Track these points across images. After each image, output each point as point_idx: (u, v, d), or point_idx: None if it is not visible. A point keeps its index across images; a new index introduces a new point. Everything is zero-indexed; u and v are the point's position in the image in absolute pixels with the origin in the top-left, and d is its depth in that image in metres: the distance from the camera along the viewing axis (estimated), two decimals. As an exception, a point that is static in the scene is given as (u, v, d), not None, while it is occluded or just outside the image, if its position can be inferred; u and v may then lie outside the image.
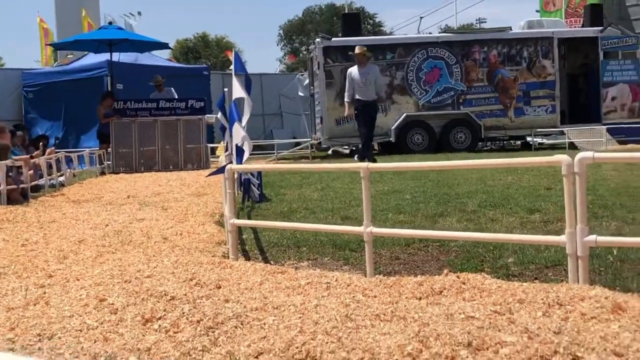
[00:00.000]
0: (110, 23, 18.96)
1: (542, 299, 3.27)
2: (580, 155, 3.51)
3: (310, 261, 5.34)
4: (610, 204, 6.84)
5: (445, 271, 3.98)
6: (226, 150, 8.48)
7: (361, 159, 13.04)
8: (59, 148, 14.92)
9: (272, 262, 5.28)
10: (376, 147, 21.29)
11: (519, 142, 21.86)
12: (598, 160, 3.54)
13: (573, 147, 18.52)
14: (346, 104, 14.00)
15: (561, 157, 3.58)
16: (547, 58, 19.88)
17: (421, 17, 22.83)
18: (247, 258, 5.51)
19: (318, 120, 20.00)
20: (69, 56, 23.21)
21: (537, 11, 22.34)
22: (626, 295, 3.30)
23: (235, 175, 8.08)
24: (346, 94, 13.91)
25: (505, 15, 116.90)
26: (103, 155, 14.89)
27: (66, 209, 8.53)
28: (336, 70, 19.32)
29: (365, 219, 4.47)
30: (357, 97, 13.63)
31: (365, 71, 13.66)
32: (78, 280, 4.50)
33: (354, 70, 13.77)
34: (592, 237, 3.52)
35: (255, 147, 20.72)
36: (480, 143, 20.57)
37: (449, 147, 19.13)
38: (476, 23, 62.52)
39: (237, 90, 7.07)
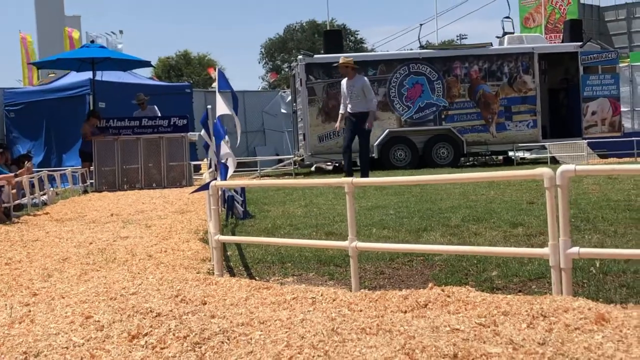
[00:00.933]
0: (92, 41, 18.95)
1: (527, 311, 3.30)
2: (562, 168, 3.55)
3: (295, 277, 5.35)
4: (592, 217, 6.89)
5: (430, 285, 4.00)
6: (209, 167, 8.49)
7: (348, 174, 12.47)
8: (41, 167, 14.87)
9: (257, 278, 5.28)
10: (359, 163, 21.36)
11: (501, 157, 22.01)
12: (580, 173, 3.58)
13: (555, 162, 18.66)
14: (339, 116, 13.22)
15: (543, 170, 3.62)
16: (528, 73, 20.05)
17: (421, 25, 22.91)
18: (232, 274, 5.51)
19: (301, 137, 20.06)
20: (50, 75, 23.18)
21: (506, 17, 22.43)
22: (609, 306, 3.34)
23: (219, 192, 8.11)
24: (341, 107, 13.24)
25: (488, 31, 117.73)
26: (86, 174, 14.85)
27: (49, 227, 8.50)
28: (318, 87, 19.41)
29: (350, 233, 4.49)
30: (347, 109, 12.92)
31: (352, 83, 12.90)
32: (63, 298, 4.48)
33: (343, 82, 13.09)
34: (575, 250, 3.56)
35: (238, 164, 20.69)
36: (462, 158, 20.68)
37: (431, 162, 19.23)
38: (457, 39, 62.93)
39: (222, 108, 7.09)
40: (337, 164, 20.96)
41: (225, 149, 6.99)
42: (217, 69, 8.27)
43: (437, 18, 27.67)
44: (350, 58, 13.79)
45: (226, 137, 7.35)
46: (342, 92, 13.06)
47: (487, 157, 21.89)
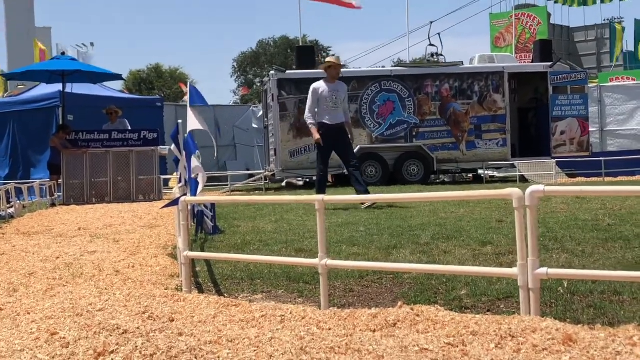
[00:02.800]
0: (63, 53, 18.81)
1: (495, 331, 3.30)
2: (531, 188, 3.57)
3: (264, 294, 5.32)
4: (560, 237, 6.94)
5: (399, 303, 4.00)
6: (179, 182, 8.44)
7: (359, 188, 11.15)
8: (7, 180, 14.70)
9: (226, 295, 5.24)
10: (330, 179, 21.40)
11: (470, 175, 22.15)
12: (549, 193, 3.61)
13: (524, 180, 18.81)
14: (311, 127, 11.39)
15: (512, 191, 3.64)
16: (498, 92, 20.23)
17: (431, 22, 23.14)
18: (201, 291, 5.47)
19: (272, 152, 20.05)
20: (19, 87, 22.97)
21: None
22: (576, 326, 3.36)
23: (189, 207, 8.06)
24: (309, 114, 11.41)
25: (459, 49, 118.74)
26: (54, 187, 14.70)
27: (16, 241, 8.39)
28: (290, 102, 19.43)
29: (320, 251, 4.48)
30: (324, 120, 11.27)
31: (335, 87, 11.34)
32: (29, 313, 4.42)
33: (321, 86, 11.34)
34: (543, 270, 3.58)
35: (209, 179, 20.65)
36: (433, 176, 20.79)
37: (402, 179, 19.30)
38: (429, 57, 63.38)
39: (193, 122, 7.06)
40: (308, 180, 20.97)
41: (195, 164, 6.95)
42: (188, 84, 8.24)
43: (409, 35, 27.87)
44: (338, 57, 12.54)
45: (197, 152, 7.32)
46: (313, 97, 11.34)
47: (457, 175, 22.02)
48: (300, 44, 27.49)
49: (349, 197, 5.13)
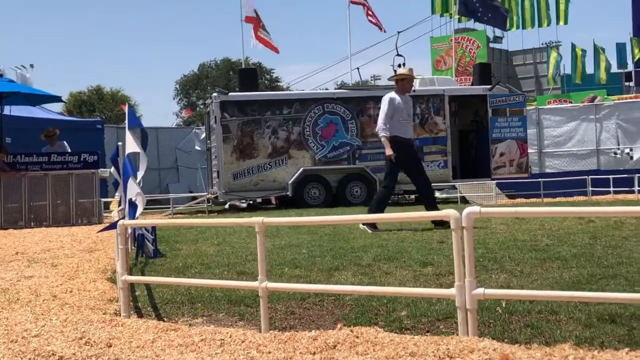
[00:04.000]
0: (0, 75, 18.47)
1: (433, 352, 3.33)
2: (467, 210, 3.62)
3: (204, 317, 5.27)
4: (499, 257, 7.03)
5: (339, 325, 4.01)
6: (119, 205, 8.34)
7: (430, 207, 10.60)
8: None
9: (165, 319, 5.18)
10: (273, 201, 21.37)
11: (412, 197, 22.32)
12: (485, 215, 3.65)
13: (465, 202, 19.04)
14: (384, 141, 10.70)
15: (449, 212, 3.68)
16: (439, 115, 20.47)
17: (399, 32, 23.32)
18: (140, 315, 5.40)
19: (215, 174, 19.94)
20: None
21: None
22: (513, 346, 3.40)
23: (129, 231, 7.95)
24: (383, 127, 10.68)
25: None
26: (-10, 210, 14.38)
27: (-51, 266, 8.17)
28: (233, 124, 19.38)
29: (260, 273, 4.46)
30: (398, 133, 10.70)
31: (406, 100, 10.89)
32: (-40, 341, 4.31)
33: (396, 97, 10.78)
34: (480, 290, 3.62)
35: (151, 202, 20.47)
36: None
37: (345, 201, 19.35)
38: (371, 80, 63.95)
39: (131, 145, 6.99)
40: (251, 202, 20.90)
41: (133, 187, 6.88)
42: (127, 106, 8.18)
43: (351, 58, 28.17)
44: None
45: (139, 174, 7.25)
46: (389, 109, 10.65)
47: (399, 196, 22.16)
48: (243, 66, 27.50)
49: (291, 219, 5.12)
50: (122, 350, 3.91)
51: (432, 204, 10.90)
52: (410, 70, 11.31)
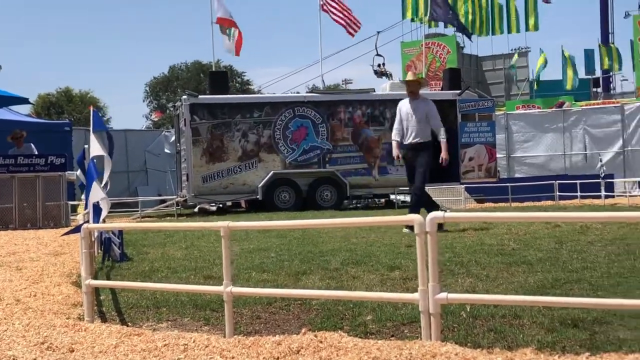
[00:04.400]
0: (-34, 76, 18.26)
1: (396, 357, 3.33)
2: (431, 215, 3.63)
3: (169, 322, 5.24)
4: (466, 261, 7.07)
5: (304, 330, 4.00)
6: (85, 208, 8.27)
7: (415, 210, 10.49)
8: None
9: (129, 324, 5.14)
10: (243, 204, 21.30)
11: (383, 200, 22.39)
12: (448, 219, 3.67)
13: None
14: (394, 143, 11.43)
15: (414, 217, 3.69)
16: (409, 119, 20.51)
17: (378, 32, 23.41)
18: (104, 320, 5.35)
19: (184, 178, 19.85)
20: None
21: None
22: (475, 351, 3.41)
23: (95, 234, 7.89)
24: (394, 132, 11.42)
25: (372, 77, 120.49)
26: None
27: None
28: (203, 127, 19.33)
29: (225, 278, 4.44)
30: (399, 138, 11.30)
31: (415, 105, 11.20)
32: None
33: (402, 104, 11.31)
34: (444, 295, 3.63)
35: (120, 205, 20.34)
36: (345, 201, 20.91)
37: (315, 205, 19.36)
38: (342, 84, 64.07)
39: (96, 148, 6.94)
40: (221, 205, 20.83)
41: (98, 190, 6.82)
42: (92, 109, 8.11)
43: (322, 62, 28.13)
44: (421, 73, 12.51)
45: (106, 176, 7.19)
46: (398, 115, 11.28)
47: (369, 200, 22.22)
48: (214, 69, 27.44)
49: (256, 223, 5.10)
50: (84, 356, 3.87)
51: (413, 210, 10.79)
52: (413, 74, 11.76)
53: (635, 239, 8.45)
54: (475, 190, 20.62)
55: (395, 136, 11.38)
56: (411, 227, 9.73)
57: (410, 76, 11.72)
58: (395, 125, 11.36)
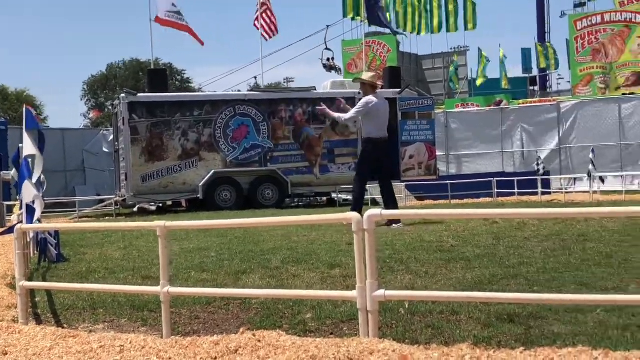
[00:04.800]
0: None
1: (334, 354, 3.33)
2: (368, 212, 3.64)
3: (106, 323, 5.16)
4: (405, 258, 7.11)
5: (242, 329, 3.98)
6: (21, 208, 8.11)
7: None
8: None
9: (65, 326, 5.05)
10: (184, 203, 21.11)
11: (324, 199, 22.42)
12: (386, 217, 3.68)
13: (375, 203, 19.21)
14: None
15: (351, 215, 3.70)
16: (350, 117, 20.59)
17: (328, 26, 23.35)
18: (39, 322, 5.25)
19: (123, 177, 19.57)
20: None
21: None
22: (413, 347, 3.44)
23: (31, 235, 7.73)
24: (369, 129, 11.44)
25: (313, 75, 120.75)
26: None
27: None
28: (142, 126, 19.08)
29: (162, 278, 4.40)
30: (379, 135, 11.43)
31: (382, 103, 11.58)
32: None
33: (375, 101, 11.37)
34: (381, 292, 3.64)
35: (57, 205, 19.96)
36: (287, 199, 20.88)
37: (256, 203, 19.28)
38: (284, 82, 63.97)
39: (28, 147, 6.80)
40: (160, 205, 20.61)
41: (31, 189, 6.68)
42: (24, 107, 7.93)
43: (263, 60, 28.03)
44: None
45: (34, 177, 7.04)
46: (377, 114, 11.46)
47: (311, 199, 22.23)
48: (152, 67, 27.11)
49: (193, 222, 5.06)
50: (17, 359, 3.79)
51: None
52: (367, 74, 12.21)
53: (571, 235, 8.62)
54: (415, 187, 20.80)
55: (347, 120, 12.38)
56: (394, 222, 9.96)
57: (364, 76, 12.00)
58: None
